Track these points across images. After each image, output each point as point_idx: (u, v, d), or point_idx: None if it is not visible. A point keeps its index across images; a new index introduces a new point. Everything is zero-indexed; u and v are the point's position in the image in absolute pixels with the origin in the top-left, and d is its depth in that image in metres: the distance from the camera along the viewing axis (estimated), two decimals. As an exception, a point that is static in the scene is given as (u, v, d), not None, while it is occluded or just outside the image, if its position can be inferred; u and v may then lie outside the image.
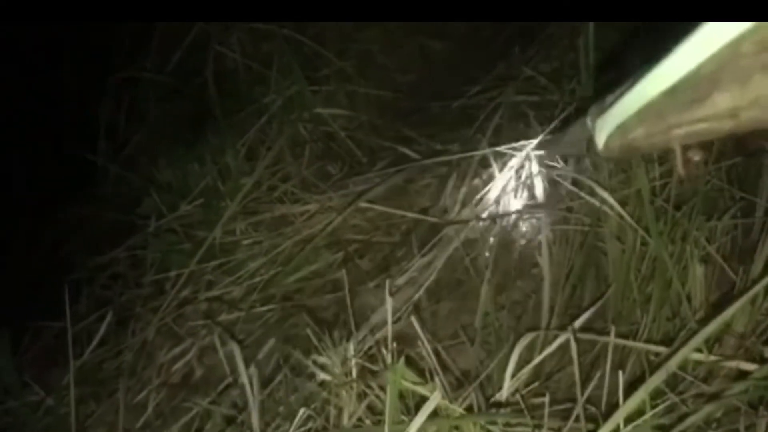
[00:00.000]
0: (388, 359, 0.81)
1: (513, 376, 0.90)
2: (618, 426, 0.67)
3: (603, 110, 0.47)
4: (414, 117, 1.91)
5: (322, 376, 0.84)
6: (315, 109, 1.70)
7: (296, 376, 0.96)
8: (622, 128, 0.44)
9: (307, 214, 1.46)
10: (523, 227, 1.21)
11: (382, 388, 0.81)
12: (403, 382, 0.75)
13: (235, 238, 1.45)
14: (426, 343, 0.81)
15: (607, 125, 0.46)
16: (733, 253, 1.05)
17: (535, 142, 1.26)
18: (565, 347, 0.91)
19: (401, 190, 1.54)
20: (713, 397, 0.71)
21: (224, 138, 1.60)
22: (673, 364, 0.67)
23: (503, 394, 0.88)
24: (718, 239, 1.03)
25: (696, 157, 0.47)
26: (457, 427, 0.74)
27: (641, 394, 0.66)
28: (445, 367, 0.99)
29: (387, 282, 0.88)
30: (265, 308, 1.31)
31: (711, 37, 0.33)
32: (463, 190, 1.41)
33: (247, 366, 1.12)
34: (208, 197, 1.53)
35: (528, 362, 0.93)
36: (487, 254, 1.21)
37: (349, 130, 1.75)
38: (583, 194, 1.03)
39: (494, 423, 0.75)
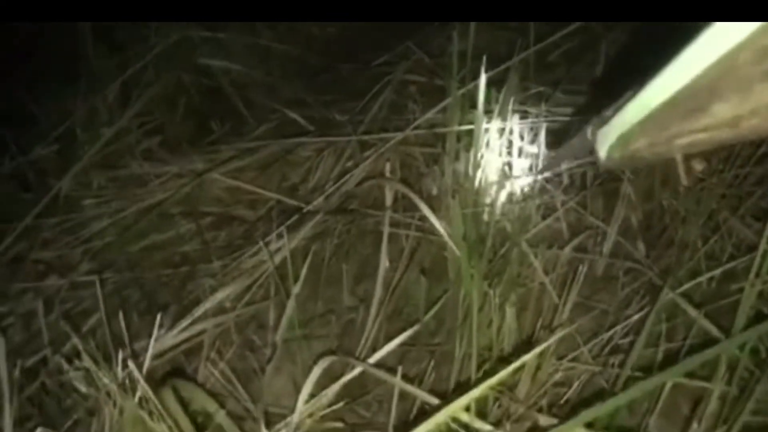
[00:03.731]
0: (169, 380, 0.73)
1: (307, 401, 0.84)
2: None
3: (604, 121, 0.47)
4: (320, 77, 1.80)
5: (82, 388, 0.77)
6: (202, 59, 1.58)
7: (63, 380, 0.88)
8: (624, 138, 0.44)
9: (165, 176, 1.36)
10: (370, 224, 1.15)
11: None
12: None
13: (83, 193, 1.34)
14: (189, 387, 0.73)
15: (608, 136, 0.46)
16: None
17: (400, 135, 1.18)
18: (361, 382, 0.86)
19: (277, 159, 1.44)
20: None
21: (96, 81, 1.48)
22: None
23: (293, 421, 0.83)
24: (557, 270, 0.98)
25: (698, 166, 0.45)
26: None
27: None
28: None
29: (159, 317, 0.79)
30: (98, 276, 1.22)
31: (710, 47, 0.32)
32: (336, 170, 1.34)
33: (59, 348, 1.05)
34: (66, 144, 1.42)
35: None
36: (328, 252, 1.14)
37: (240, 87, 1.64)
38: (415, 214, 0.96)
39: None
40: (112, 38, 1.56)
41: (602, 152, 0.48)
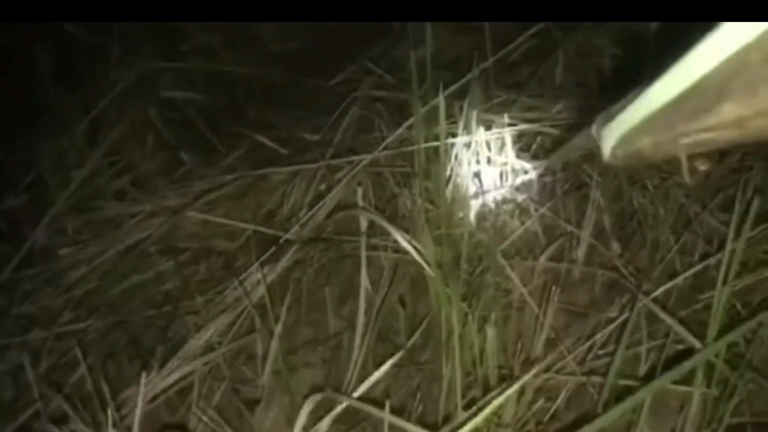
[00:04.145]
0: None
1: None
2: None
3: (609, 119, 0.47)
4: (286, 94, 1.80)
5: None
6: (165, 92, 1.57)
7: None
8: (629, 137, 0.44)
9: (140, 216, 1.36)
10: (347, 248, 1.15)
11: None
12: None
13: (59, 241, 1.34)
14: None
15: (613, 134, 0.46)
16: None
17: (369, 158, 1.19)
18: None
19: (251, 187, 1.44)
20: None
21: (60, 124, 1.47)
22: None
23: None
24: (534, 281, 0.99)
25: (702, 166, 0.45)
26: None
27: None
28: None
29: (143, 375, 0.79)
30: (83, 324, 1.21)
31: (719, 46, 0.32)
32: (310, 195, 1.34)
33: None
34: (37, 191, 1.41)
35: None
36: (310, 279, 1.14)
37: (206, 115, 1.63)
38: (391, 236, 0.97)
39: None
40: (71, 78, 1.55)
41: (606, 150, 0.48)
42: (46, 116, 1.51)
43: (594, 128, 0.50)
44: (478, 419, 0.63)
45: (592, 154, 1.02)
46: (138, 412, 0.74)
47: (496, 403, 0.64)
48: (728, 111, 0.33)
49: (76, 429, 0.79)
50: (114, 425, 0.73)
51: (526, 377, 0.70)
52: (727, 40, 0.32)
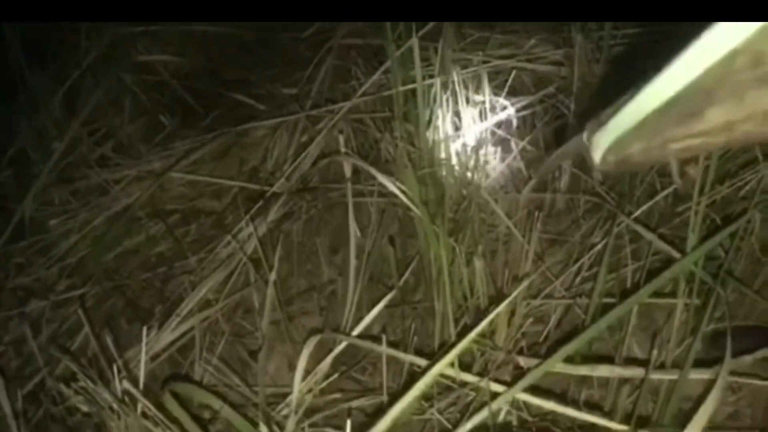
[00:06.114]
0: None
1: (303, 378, 0.87)
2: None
3: (600, 125, 0.46)
4: (259, 53, 1.79)
5: (84, 407, 0.80)
6: (139, 56, 1.56)
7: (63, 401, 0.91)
8: (619, 143, 0.43)
9: (125, 181, 1.36)
10: (334, 196, 1.17)
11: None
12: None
13: (48, 212, 1.34)
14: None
15: (603, 140, 0.45)
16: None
17: (348, 105, 1.20)
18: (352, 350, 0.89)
19: (232, 145, 1.45)
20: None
21: (36, 97, 1.46)
22: (401, 404, 0.65)
23: (293, 400, 0.86)
24: (519, 213, 1.01)
25: (692, 170, 0.46)
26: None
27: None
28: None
29: (144, 329, 0.80)
30: (80, 291, 1.23)
31: (706, 52, 0.33)
32: (292, 148, 1.35)
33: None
34: (20, 165, 1.41)
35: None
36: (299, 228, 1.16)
37: (182, 76, 1.63)
38: (376, 180, 0.98)
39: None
40: (42, 51, 1.53)
41: (597, 156, 0.48)
42: (22, 91, 1.49)
43: (585, 135, 0.51)
44: (470, 337, 0.66)
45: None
46: (143, 364, 0.76)
47: (485, 321, 0.66)
48: (716, 116, 0.34)
49: (85, 387, 0.81)
50: (121, 381, 0.75)
51: (514, 294, 0.73)
52: (714, 44, 0.32)
